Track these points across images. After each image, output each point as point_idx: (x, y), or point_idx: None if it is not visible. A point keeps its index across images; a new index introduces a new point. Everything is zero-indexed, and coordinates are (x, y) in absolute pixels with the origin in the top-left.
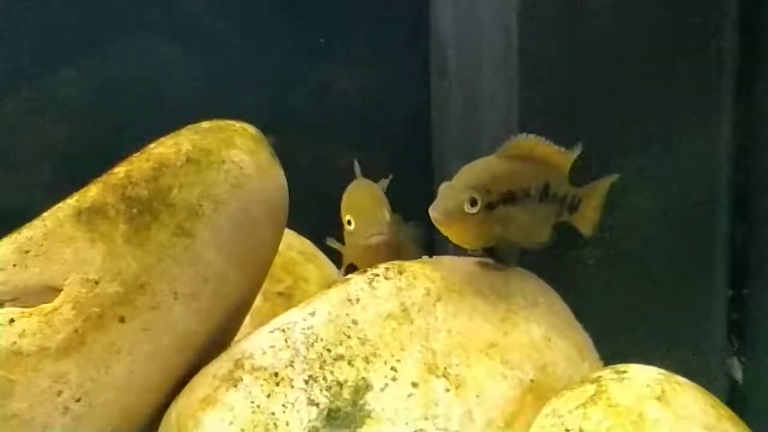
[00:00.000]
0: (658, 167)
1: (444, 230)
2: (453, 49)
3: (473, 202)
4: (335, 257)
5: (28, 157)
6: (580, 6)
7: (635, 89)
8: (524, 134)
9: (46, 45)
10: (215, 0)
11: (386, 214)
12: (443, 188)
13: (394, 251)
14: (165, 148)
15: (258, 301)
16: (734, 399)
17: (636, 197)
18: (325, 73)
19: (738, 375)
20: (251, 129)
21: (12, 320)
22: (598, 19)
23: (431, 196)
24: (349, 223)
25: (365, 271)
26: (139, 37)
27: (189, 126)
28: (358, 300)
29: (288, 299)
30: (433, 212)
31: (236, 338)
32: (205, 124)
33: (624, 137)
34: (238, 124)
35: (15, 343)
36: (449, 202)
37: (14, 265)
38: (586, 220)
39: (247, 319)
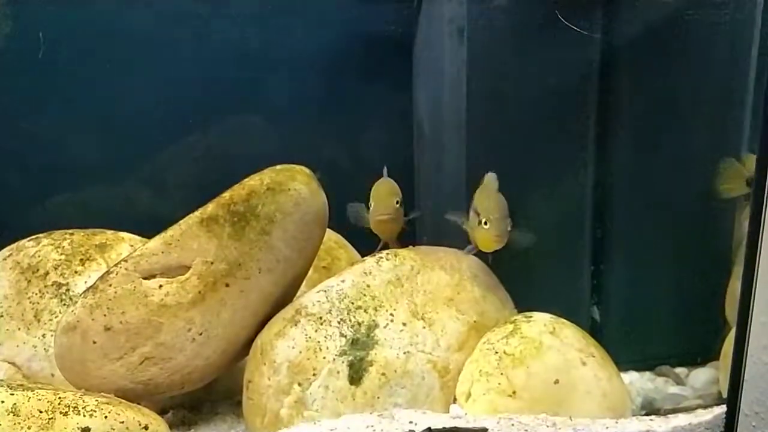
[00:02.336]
0: (549, 194)
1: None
2: (427, 119)
3: (397, 202)
4: (356, 245)
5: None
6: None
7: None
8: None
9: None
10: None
11: (394, 203)
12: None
13: (397, 226)
14: (254, 181)
15: (310, 272)
16: (595, 331)
17: (539, 213)
18: (336, 144)
19: (597, 317)
20: (306, 169)
21: (161, 286)
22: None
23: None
24: (370, 205)
25: (374, 255)
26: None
27: (269, 167)
28: (370, 272)
29: (328, 271)
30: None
31: (297, 295)
32: (278, 167)
33: (526, 177)
34: (298, 167)
35: (162, 299)
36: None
37: (162, 252)
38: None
39: (304, 283)
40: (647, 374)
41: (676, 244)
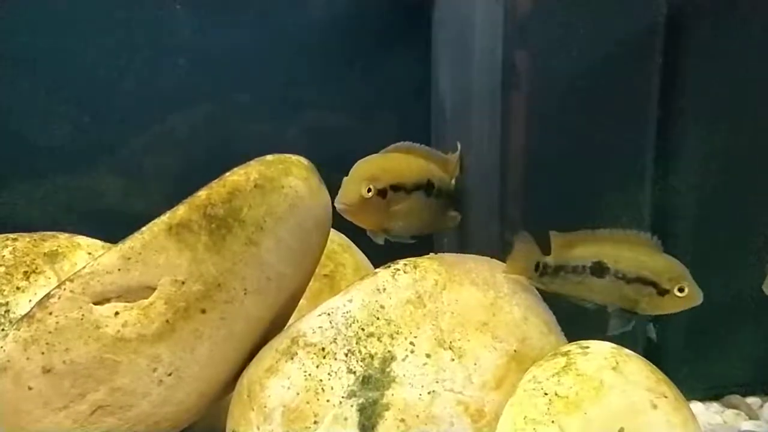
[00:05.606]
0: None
1: (349, 217)
2: (449, 99)
3: (368, 190)
4: (363, 248)
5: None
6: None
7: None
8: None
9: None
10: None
11: (364, 190)
12: (344, 182)
13: (368, 219)
14: (237, 176)
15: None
16: (650, 354)
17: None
18: (348, 120)
19: (653, 336)
20: (304, 161)
21: (117, 313)
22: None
23: None
24: None
25: (389, 266)
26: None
27: (257, 158)
28: (384, 289)
29: (331, 279)
30: (338, 203)
31: (292, 319)
32: (269, 157)
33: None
34: (294, 157)
35: (119, 331)
36: (350, 191)
37: (119, 270)
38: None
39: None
40: (714, 405)
41: (750, 250)
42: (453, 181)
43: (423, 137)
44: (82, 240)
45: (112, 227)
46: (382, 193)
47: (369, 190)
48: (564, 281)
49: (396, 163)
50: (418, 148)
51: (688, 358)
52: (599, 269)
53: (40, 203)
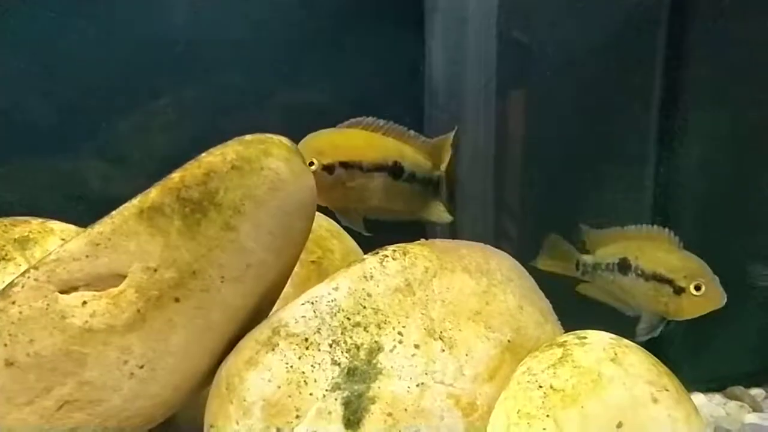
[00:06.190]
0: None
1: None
2: (443, 73)
3: (311, 164)
4: (354, 233)
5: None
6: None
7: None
8: (363, 117)
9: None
10: None
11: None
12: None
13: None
14: (213, 156)
15: (297, 268)
16: (651, 344)
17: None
18: (338, 100)
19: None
20: (286, 141)
21: (84, 302)
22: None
23: None
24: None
25: (377, 253)
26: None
27: (235, 138)
28: (372, 276)
29: (318, 266)
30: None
31: (275, 309)
32: (248, 137)
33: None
34: (275, 137)
35: (87, 321)
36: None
37: (87, 256)
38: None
39: (289, 282)
40: (716, 397)
41: (754, 240)
42: (441, 169)
43: (416, 117)
44: (56, 225)
45: (96, 213)
46: (328, 168)
47: (311, 164)
48: (602, 280)
49: (351, 139)
50: (387, 127)
51: (689, 347)
52: (624, 266)
53: (18, 186)
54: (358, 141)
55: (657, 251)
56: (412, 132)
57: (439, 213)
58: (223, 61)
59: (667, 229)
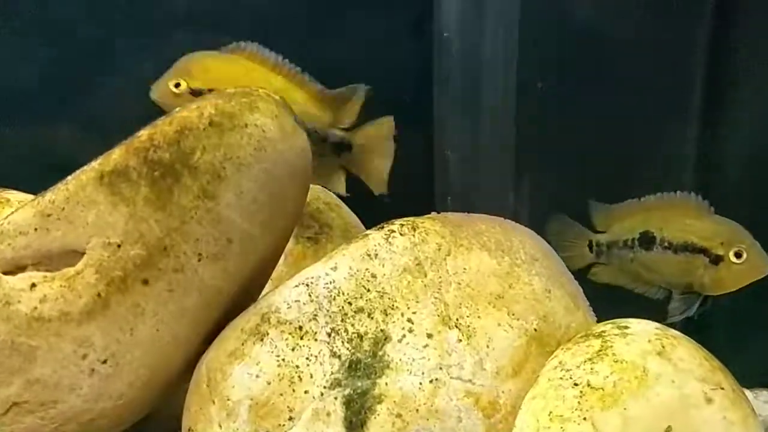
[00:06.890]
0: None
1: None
2: (457, 36)
3: (176, 84)
4: (353, 207)
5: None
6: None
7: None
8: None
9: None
10: None
11: (171, 86)
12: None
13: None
14: (189, 111)
15: (291, 243)
16: (688, 333)
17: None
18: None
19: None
20: (273, 95)
21: (33, 285)
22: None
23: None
24: None
25: (382, 227)
26: None
27: (215, 91)
28: (376, 255)
29: (315, 242)
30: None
31: (264, 292)
32: (230, 90)
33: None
34: (261, 90)
35: (36, 308)
36: (160, 84)
37: (36, 229)
38: (374, 175)
39: (282, 260)
40: (763, 394)
41: None
42: (344, 128)
43: (423, 76)
44: (13, 195)
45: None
46: (195, 93)
47: (177, 85)
48: (621, 260)
49: (231, 66)
50: (276, 62)
51: (733, 338)
52: (646, 240)
53: None
54: (238, 69)
55: (685, 219)
56: (307, 75)
57: (335, 182)
58: (225, 18)
59: (693, 194)
